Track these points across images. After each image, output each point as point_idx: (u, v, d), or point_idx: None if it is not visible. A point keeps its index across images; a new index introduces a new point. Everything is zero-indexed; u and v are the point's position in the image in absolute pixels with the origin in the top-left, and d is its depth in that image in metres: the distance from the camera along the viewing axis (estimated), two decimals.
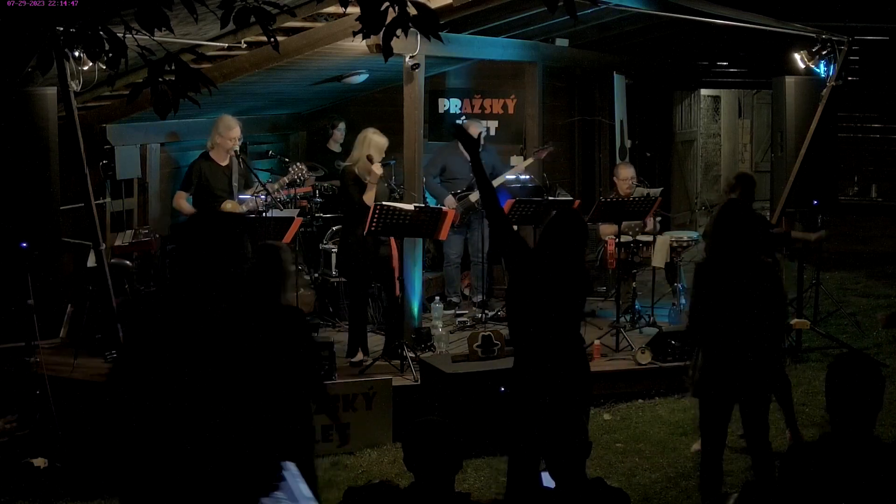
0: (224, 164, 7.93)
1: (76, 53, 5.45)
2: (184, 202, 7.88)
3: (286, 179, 8.19)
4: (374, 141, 7.54)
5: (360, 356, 7.46)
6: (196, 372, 2.87)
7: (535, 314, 4.95)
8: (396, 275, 7.48)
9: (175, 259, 3.24)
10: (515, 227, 8.89)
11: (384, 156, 7.65)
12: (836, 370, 3.28)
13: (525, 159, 9.39)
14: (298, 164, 8.39)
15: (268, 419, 2.96)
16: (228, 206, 7.85)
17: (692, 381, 5.30)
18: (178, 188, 8.04)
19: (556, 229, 4.98)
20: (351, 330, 7.63)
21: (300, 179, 8.34)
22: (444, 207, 7.83)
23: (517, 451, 5.05)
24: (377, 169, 7.45)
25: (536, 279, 4.93)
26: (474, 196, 8.69)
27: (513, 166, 9.28)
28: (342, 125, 10.01)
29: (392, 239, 7.49)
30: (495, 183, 8.86)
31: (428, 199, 8.54)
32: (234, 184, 7.95)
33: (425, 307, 8.47)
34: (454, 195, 8.82)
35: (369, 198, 7.43)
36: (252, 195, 7.94)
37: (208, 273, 3.08)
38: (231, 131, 7.84)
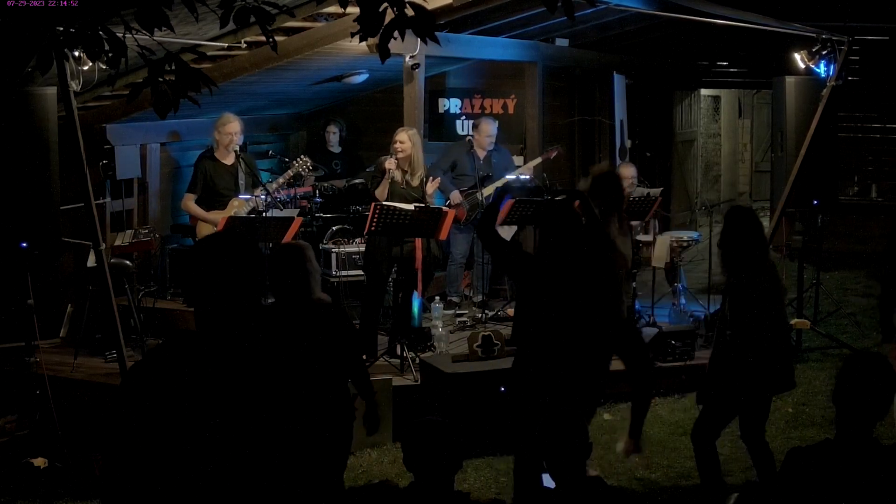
0: (229, 162, 7.96)
1: (76, 53, 5.45)
2: (192, 204, 7.90)
3: (291, 172, 8.20)
4: (397, 136, 7.57)
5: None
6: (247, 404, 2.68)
7: (556, 316, 4.85)
8: (420, 275, 7.49)
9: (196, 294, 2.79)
10: (515, 227, 8.95)
11: (405, 152, 7.56)
12: (851, 366, 3.27)
13: (526, 160, 9.39)
14: (303, 156, 8.40)
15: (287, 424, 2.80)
16: (235, 203, 7.87)
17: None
18: (186, 190, 8.06)
19: (550, 226, 4.92)
20: (360, 326, 7.62)
21: (305, 171, 8.35)
22: (444, 207, 7.83)
23: (522, 451, 5.05)
24: (390, 164, 7.46)
25: (546, 282, 4.88)
26: (482, 194, 8.70)
27: (518, 167, 9.29)
28: (333, 126, 10.01)
29: (417, 239, 7.50)
30: (499, 183, 8.88)
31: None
32: (241, 182, 7.98)
33: (425, 307, 8.47)
34: (462, 191, 8.83)
35: (380, 193, 7.45)
36: (252, 195, 7.96)
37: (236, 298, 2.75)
38: (226, 126, 7.86)
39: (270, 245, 7.30)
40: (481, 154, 8.93)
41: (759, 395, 5.17)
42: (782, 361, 5.23)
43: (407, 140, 7.53)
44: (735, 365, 5.07)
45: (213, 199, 7.90)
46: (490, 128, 8.91)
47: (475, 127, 9.07)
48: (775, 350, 5.15)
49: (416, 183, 7.56)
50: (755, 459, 5.31)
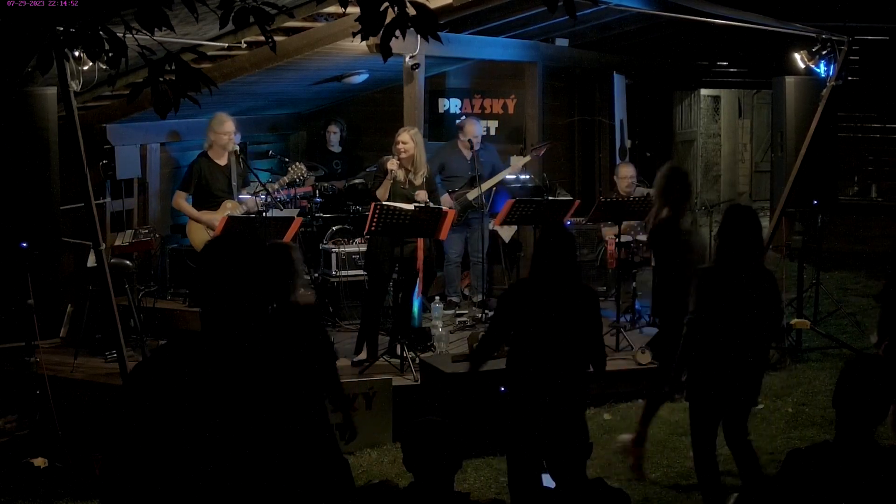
0: (223, 163, 7.95)
1: (76, 53, 5.45)
2: (183, 202, 7.90)
3: (286, 179, 8.21)
4: (399, 136, 7.58)
5: (363, 355, 7.47)
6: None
7: (544, 344, 4.93)
8: (421, 275, 7.50)
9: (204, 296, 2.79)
10: (515, 227, 8.94)
11: (409, 154, 7.59)
12: (850, 370, 3.27)
13: (523, 157, 9.39)
14: (298, 163, 8.40)
15: (288, 424, 2.82)
16: (229, 205, 7.87)
17: (683, 384, 5.25)
18: (177, 188, 8.07)
19: (543, 249, 5.01)
20: (361, 326, 7.66)
21: (300, 179, 8.35)
22: (444, 208, 7.83)
23: (518, 451, 5.06)
24: (391, 164, 7.47)
25: (539, 308, 4.96)
26: (472, 194, 8.70)
27: (506, 166, 9.28)
28: (334, 127, 10.01)
29: (419, 240, 7.51)
30: (493, 182, 8.88)
31: None
32: (234, 183, 7.97)
33: (425, 307, 8.47)
34: (451, 193, 8.83)
35: (381, 193, 7.47)
36: (252, 195, 7.95)
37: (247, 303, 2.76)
38: (223, 126, 7.86)
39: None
40: (468, 154, 8.92)
41: (746, 397, 5.15)
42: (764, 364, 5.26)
43: (409, 140, 7.55)
44: (729, 366, 5.05)
45: (207, 199, 7.89)
46: (475, 128, 8.91)
47: (460, 128, 9.06)
48: (762, 352, 5.16)
49: (418, 182, 7.57)
50: (739, 463, 5.28)
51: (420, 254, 7.58)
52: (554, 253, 4.94)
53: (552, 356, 4.88)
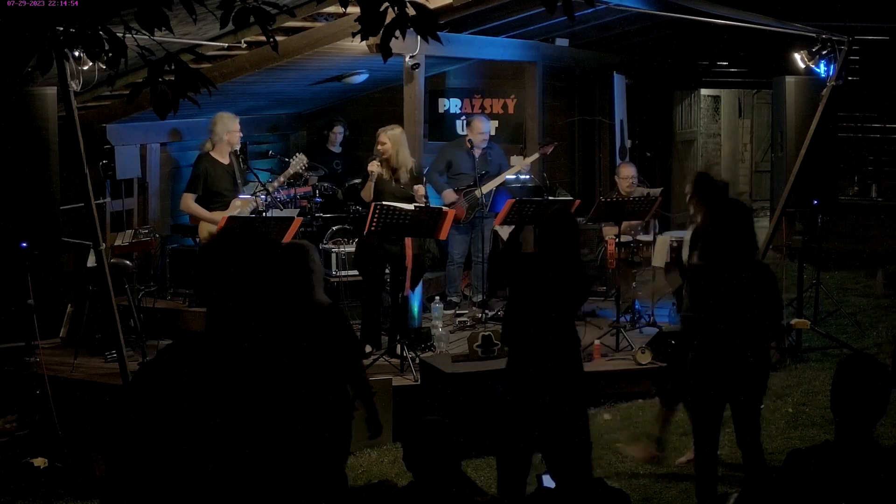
0: (226, 162, 7.94)
1: (76, 53, 5.45)
2: (193, 203, 7.84)
3: (290, 171, 8.20)
4: (378, 137, 7.63)
5: (367, 349, 7.51)
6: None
7: (534, 316, 5.10)
8: (409, 274, 7.52)
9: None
10: (515, 227, 8.94)
11: (390, 153, 7.63)
12: (843, 371, 3.27)
13: (525, 157, 9.39)
14: (299, 153, 8.39)
15: (310, 422, 2.78)
16: (238, 203, 7.85)
17: (684, 386, 5.24)
18: (185, 190, 7.98)
19: (549, 230, 5.18)
20: (362, 325, 7.69)
21: (303, 169, 8.35)
22: (444, 208, 7.84)
23: (509, 450, 5.12)
24: (373, 166, 7.51)
25: (535, 281, 5.07)
26: (481, 192, 8.71)
27: (511, 165, 9.28)
28: (339, 127, 10.01)
29: (407, 238, 7.53)
30: (498, 180, 8.90)
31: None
32: (238, 181, 7.97)
33: (425, 307, 8.47)
34: (457, 191, 8.83)
35: (365, 193, 7.51)
36: (252, 195, 7.95)
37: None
38: (234, 124, 7.89)
39: None
40: (476, 152, 8.93)
41: (750, 395, 5.15)
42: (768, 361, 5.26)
43: (387, 141, 7.62)
44: (729, 364, 5.04)
45: (213, 199, 7.88)
46: (483, 125, 8.92)
47: (468, 125, 9.09)
48: (763, 349, 5.16)
49: (404, 179, 7.62)
50: (747, 460, 5.28)
51: (409, 251, 7.57)
52: (559, 234, 5.09)
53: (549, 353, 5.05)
